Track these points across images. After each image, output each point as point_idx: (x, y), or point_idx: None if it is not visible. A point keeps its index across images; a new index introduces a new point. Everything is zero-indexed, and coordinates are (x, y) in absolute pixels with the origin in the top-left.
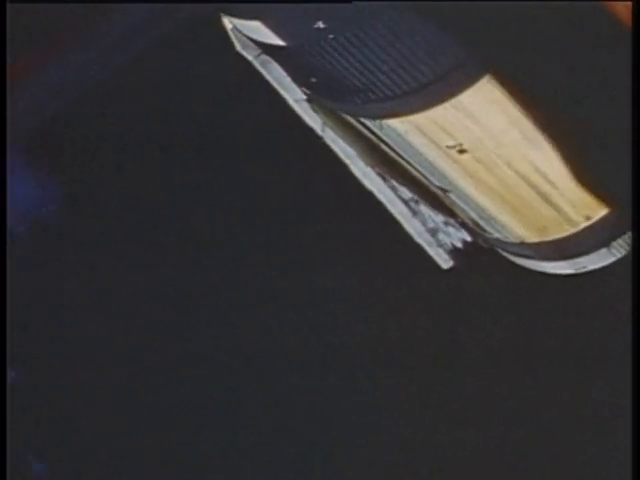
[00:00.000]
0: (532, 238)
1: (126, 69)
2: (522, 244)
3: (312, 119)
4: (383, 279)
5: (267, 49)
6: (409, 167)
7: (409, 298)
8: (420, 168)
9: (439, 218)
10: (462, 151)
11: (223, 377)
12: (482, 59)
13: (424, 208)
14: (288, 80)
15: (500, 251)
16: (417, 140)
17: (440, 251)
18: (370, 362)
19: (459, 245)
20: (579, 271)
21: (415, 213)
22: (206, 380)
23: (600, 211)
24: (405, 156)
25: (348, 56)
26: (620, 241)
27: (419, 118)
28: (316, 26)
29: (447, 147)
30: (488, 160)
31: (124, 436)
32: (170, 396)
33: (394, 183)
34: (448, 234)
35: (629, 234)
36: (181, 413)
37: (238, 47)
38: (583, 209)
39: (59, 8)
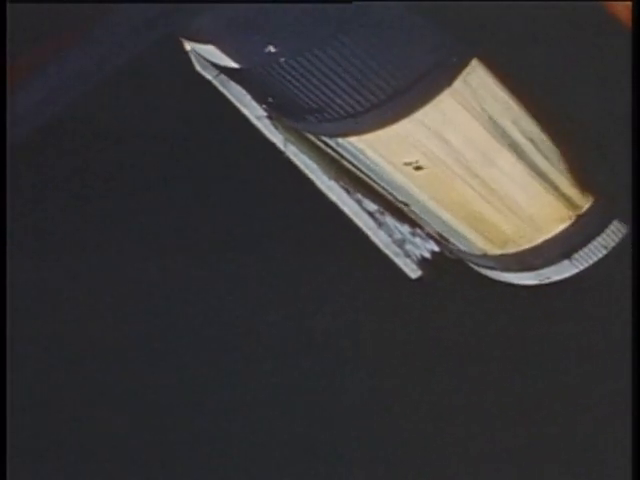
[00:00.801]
0: (494, 251)
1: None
2: (485, 256)
3: (274, 135)
4: (352, 290)
5: (224, 70)
6: (370, 181)
7: (378, 308)
8: (380, 182)
9: (405, 229)
10: (418, 168)
11: (222, 377)
12: (457, 60)
13: (390, 219)
14: (248, 98)
15: (466, 262)
16: (373, 157)
17: (408, 261)
18: (342, 368)
19: (427, 255)
20: (543, 282)
21: (381, 224)
22: (205, 381)
23: (558, 225)
24: (365, 171)
25: (300, 78)
26: (582, 252)
27: (373, 136)
28: (267, 50)
29: (404, 164)
30: (445, 176)
31: (124, 437)
32: (169, 395)
33: (359, 196)
34: (415, 245)
35: (591, 245)
36: (181, 414)
37: (198, 67)
38: (542, 224)
39: (59, 8)
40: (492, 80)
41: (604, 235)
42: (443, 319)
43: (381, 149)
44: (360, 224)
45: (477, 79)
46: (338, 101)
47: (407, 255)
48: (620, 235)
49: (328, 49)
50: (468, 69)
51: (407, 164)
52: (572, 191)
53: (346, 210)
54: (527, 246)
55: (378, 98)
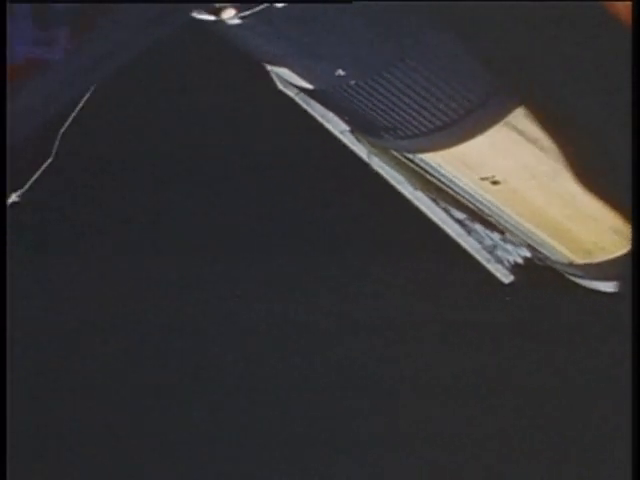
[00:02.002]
0: (579, 260)
1: (127, 70)
2: (571, 265)
3: (358, 148)
4: (447, 295)
5: (302, 89)
6: (454, 193)
7: (473, 311)
8: (463, 195)
9: (496, 235)
10: (495, 182)
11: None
12: (510, 94)
13: (479, 227)
14: (331, 114)
15: (555, 269)
16: (452, 171)
17: (499, 267)
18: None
19: (519, 261)
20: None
21: (470, 231)
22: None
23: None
24: (447, 183)
25: (371, 98)
26: None
27: (448, 153)
28: (337, 74)
29: (480, 179)
30: (522, 190)
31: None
32: (168, 395)
33: (446, 205)
34: (507, 250)
35: None
36: (182, 414)
37: (280, 85)
38: (624, 234)
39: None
40: None
41: None
42: (534, 323)
43: (457, 165)
44: (449, 231)
45: None
46: (409, 120)
47: (499, 261)
48: None
49: (395, 72)
50: None
51: (484, 179)
52: None
53: (434, 218)
54: (611, 256)
55: (449, 117)
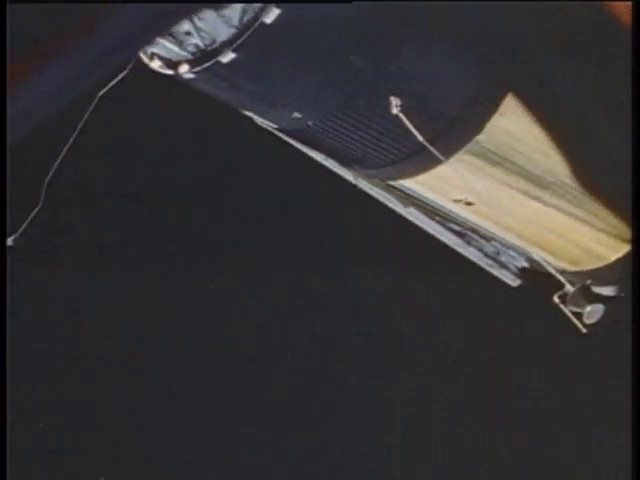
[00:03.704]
0: (570, 268)
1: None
2: (564, 272)
3: (343, 172)
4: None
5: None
6: (437, 211)
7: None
8: (445, 212)
9: (497, 243)
10: (469, 203)
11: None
12: (468, 124)
13: (477, 236)
14: None
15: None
16: (428, 194)
17: (504, 272)
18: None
19: (526, 265)
20: (621, 294)
21: (470, 241)
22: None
23: (627, 244)
24: (428, 203)
25: (333, 135)
26: None
27: (417, 180)
28: (294, 116)
29: (454, 201)
30: (498, 209)
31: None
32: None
33: (440, 218)
34: (511, 256)
35: None
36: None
37: (258, 121)
38: (610, 244)
39: (59, 8)
40: (527, 120)
41: None
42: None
43: (430, 189)
44: (448, 242)
45: (512, 118)
46: (371, 152)
47: (503, 266)
48: None
49: (350, 112)
50: (499, 111)
51: (457, 201)
52: None
53: (431, 231)
54: (601, 264)
55: (408, 149)
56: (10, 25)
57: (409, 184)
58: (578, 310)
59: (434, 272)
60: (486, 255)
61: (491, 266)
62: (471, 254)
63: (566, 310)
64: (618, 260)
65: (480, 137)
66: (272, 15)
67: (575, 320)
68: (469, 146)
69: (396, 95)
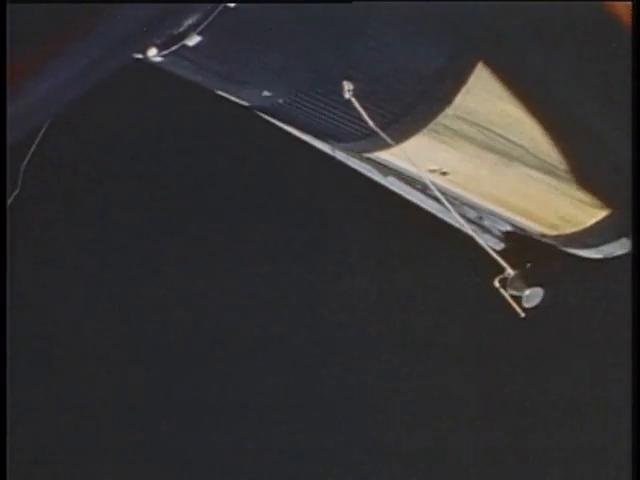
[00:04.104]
0: (550, 232)
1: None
2: (544, 236)
3: (319, 143)
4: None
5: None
6: (414, 181)
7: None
8: (423, 182)
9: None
10: (444, 173)
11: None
12: (437, 97)
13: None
14: None
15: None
16: (403, 165)
17: (488, 236)
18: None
19: (509, 228)
20: (608, 256)
21: (451, 206)
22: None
23: (603, 210)
24: (404, 173)
25: (304, 111)
26: None
27: (390, 152)
28: (264, 94)
29: (429, 171)
30: (474, 179)
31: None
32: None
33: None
34: (494, 220)
35: None
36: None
37: (232, 99)
38: (587, 209)
39: (59, 8)
40: (498, 90)
41: None
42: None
43: (405, 160)
44: (429, 209)
45: (480, 92)
46: (342, 127)
47: (486, 230)
48: None
49: (318, 89)
50: (467, 85)
51: (432, 171)
52: None
53: (412, 198)
54: (578, 228)
55: (379, 123)
56: (10, 25)
57: (384, 156)
58: (518, 294)
59: (418, 238)
60: (469, 220)
61: (474, 231)
62: (454, 220)
63: (505, 294)
64: (596, 224)
65: (449, 110)
66: None
67: (514, 304)
68: (438, 119)
69: (361, 73)
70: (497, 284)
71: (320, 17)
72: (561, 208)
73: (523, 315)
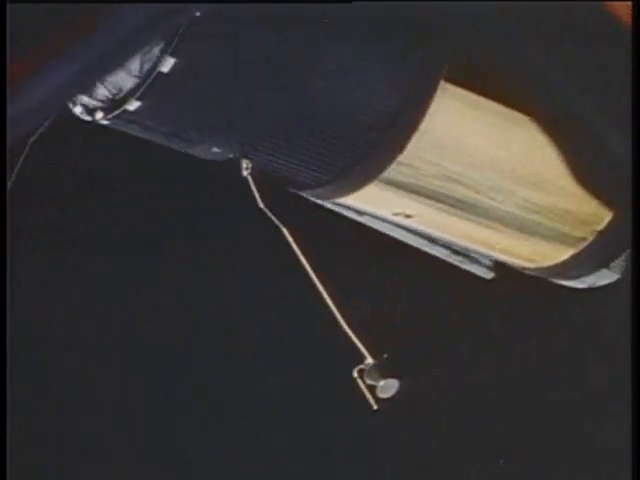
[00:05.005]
0: (529, 265)
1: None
2: (525, 269)
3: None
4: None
5: None
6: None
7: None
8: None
9: None
10: (408, 216)
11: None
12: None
13: None
14: None
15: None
16: (368, 209)
17: (476, 266)
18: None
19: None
20: (592, 286)
21: (435, 240)
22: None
23: (576, 243)
24: (373, 215)
25: (256, 164)
26: (620, 261)
27: (353, 196)
28: (213, 150)
29: (393, 214)
30: (438, 219)
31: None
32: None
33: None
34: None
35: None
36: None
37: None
38: (558, 246)
39: (59, 8)
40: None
41: None
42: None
43: (368, 204)
44: (413, 244)
45: (435, 135)
46: (299, 177)
47: (475, 261)
48: None
49: (268, 143)
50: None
51: (396, 214)
52: (580, 214)
53: (395, 235)
54: (556, 262)
55: (334, 172)
56: (10, 25)
57: (347, 201)
58: (374, 384)
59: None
60: (454, 252)
61: (461, 262)
62: (438, 252)
63: (361, 384)
64: (571, 258)
65: (400, 158)
66: (168, 64)
67: (368, 394)
68: (391, 168)
69: (306, 124)
70: (355, 374)
71: (259, 70)
72: (532, 245)
73: (376, 407)
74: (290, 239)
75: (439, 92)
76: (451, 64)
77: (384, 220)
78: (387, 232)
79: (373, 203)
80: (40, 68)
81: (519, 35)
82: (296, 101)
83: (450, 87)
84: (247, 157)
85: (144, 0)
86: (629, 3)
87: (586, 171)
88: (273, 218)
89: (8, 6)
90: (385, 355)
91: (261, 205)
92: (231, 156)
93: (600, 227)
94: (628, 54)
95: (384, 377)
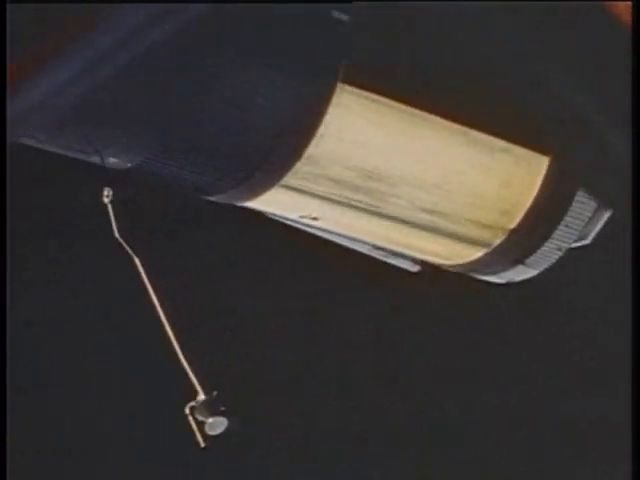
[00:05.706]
0: (445, 262)
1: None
2: (442, 265)
3: None
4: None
5: None
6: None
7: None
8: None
9: None
10: (315, 218)
11: None
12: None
13: None
14: None
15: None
16: (276, 212)
17: (401, 260)
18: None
19: None
20: (510, 282)
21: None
22: None
23: (489, 241)
24: (282, 218)
25: (155, 172)
26: (535, 257)
27: (258, 200)
28: (111, 161)
29: (300, 217)
30: (345, 220)
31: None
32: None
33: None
34: None
35: (543, 249)
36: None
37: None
38: (467, 246)
39: (59, 8)
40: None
41: (554, 240)
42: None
43: (274, 208)
44: (336, 240)
45: (334, 140)
46: (200, 184)
47: (398, 254)
48: (574, 238)
49: (163, 154)
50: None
51: (303, 217)
52: (486, 216)
53: (317, 233)
54: (470, 259)
55: (234, 178)
56: (10, 25)
57: (254, 205)
58: (204, 420)
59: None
60: (376, 247)
61: (385, 256)
62: (361, 247)
63: (191, 420)
64: (484, 255)
65: (299, 165)
66: None
67: (196, 430)
68: (290, 174)
69: (211, 127)
70: (187, 410)
71: (155, 82)
72: (444, 245)
73: (203, 445)
74: (141, 269)
75: (337, 95)
76: (349, 65)
77: (293, 221)
78: (309, 229)
79: (279, 206)
80: (40, 68)
81: (519, 35)
82: (192, 111)
83: (349, 89)
84: (146, 166)
85: (144, 0)
86: (629, 3)
87: (586, 171)
88: (127, 247)
89: (8, 6)
90: (215, 392)
91: (117, 234)
92: (129, 165)
93: (512, 225)
94: (628, 54)
95: (212, 414)
